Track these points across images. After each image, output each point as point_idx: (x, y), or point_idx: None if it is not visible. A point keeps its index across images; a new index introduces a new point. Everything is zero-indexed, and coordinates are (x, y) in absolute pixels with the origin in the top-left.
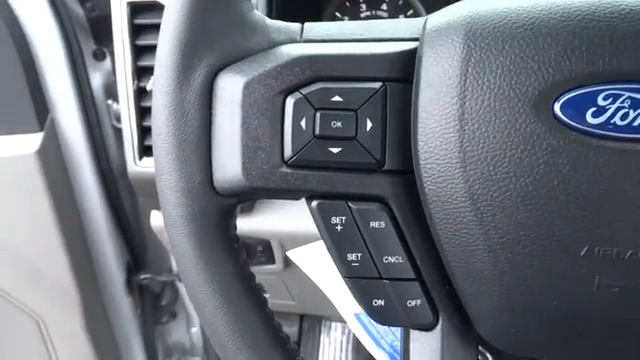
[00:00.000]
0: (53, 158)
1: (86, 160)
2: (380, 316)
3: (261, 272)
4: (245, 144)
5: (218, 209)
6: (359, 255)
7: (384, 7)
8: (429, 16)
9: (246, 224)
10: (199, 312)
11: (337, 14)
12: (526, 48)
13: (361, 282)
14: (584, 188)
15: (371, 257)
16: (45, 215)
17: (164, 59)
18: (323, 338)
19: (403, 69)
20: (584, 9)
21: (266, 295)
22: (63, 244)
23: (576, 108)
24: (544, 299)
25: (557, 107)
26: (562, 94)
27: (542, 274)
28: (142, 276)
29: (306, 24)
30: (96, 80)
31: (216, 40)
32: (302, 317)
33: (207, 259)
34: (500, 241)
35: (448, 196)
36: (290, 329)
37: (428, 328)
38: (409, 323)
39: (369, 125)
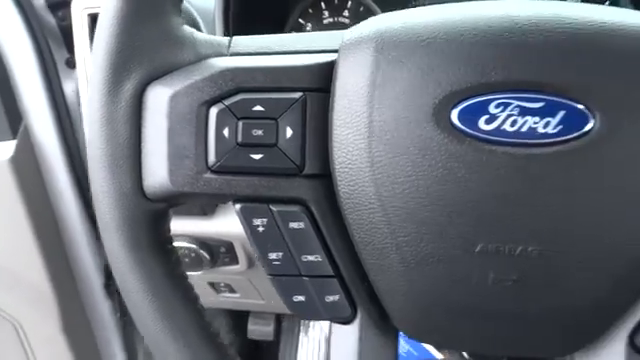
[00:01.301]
0: (27, 165)
1: (61, 166)
2: (301, 311)
3: (226, 273)
4: (171, 152)
5: (148, 213)
6: (280, 254)
7: (346, 14)
8: (348, 30)
9: (208, 227)
10: (131, 310)
11: (301, 21)
12: (427, 61)
13: (282, 279)
14: (478, 190)
15: (291, 256)
16: (21, 221)
17: (95, 72)
18: (302, 337)
19: (322, 80)
20: (478, 25)
21: (235, 295)
22: (40, 250)
23: (470, 116)
24: (446, 293)
25: (454, 115)
26: (458, 103)
27: (443, 269)
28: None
29: (234, 38)
30: (69, 87)
31: (145, 54)
32: (281, 317)
33: (137, 260)
34: (405, 239)
35: (359, 198)
36: (266, 328)
37: (347, 321)
38: (328, 317)
39: (289, 133)
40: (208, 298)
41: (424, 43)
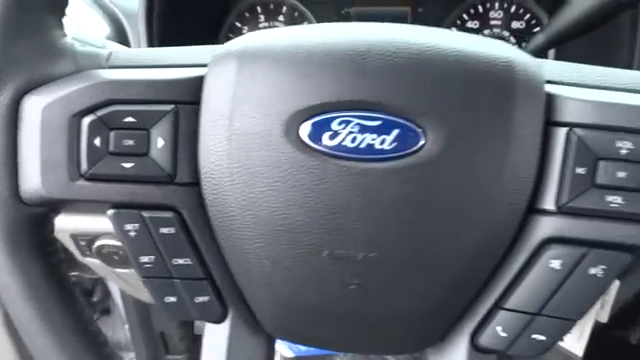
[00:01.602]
0: None
1: None
2: (172, 311)
3: None
4: (44, 160)
5: (27, 217)
6: (152, 257)
7: (281, 18)
8: (220, 45)
9: None
10: (10, 310)
11: (237, 24)
12: (279, 79)
13: (154, 281)
14: (323, 200)
15: (162, 259)
16: None
17: None
18: None
19: (192, 93)
20: (327, 48)
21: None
22: None
23: (316, 132)
24: (301, 295)
25: (302, 131)
26: (305, 120)
27: (297, 274)
28: (70, 273)
29: (115, 50)
30: None
31: (23, 66)
32: None
33: (16, 263)
34: (261, 245)
35: (222, 206)
36: None
37: (218, 321)
38: (198, 317)
39: (161, 143)
40: (146, 294)
41: (279, 62)
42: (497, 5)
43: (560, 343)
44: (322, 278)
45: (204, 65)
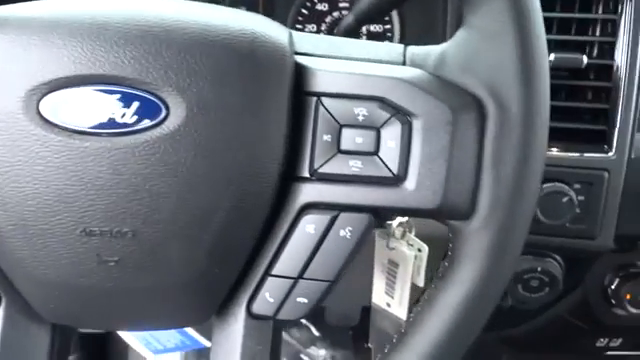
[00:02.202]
0: None
1: None
2: None
3: None
4: None
5: None
6: None
7: None
8: None
9: None
10: None
11: None
12: (15, 53)
13: None
14: (70, 177)
15: None
16: None
17: None
18: None
19: None
20: (67, 21)
21: None
22: None
23: (56, 107)
24: (63, 276)
25: (42, 106)
26: (44, 95)
27: (54, 254)
28: None
29: None
30: None
31: None
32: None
33: None
34: (15, 227)
35: None
36: None
37: None
38: None
39: None
40: None
41: (14, 35)
42: None
43: (387, 308)
44: (79, 256)
45: None
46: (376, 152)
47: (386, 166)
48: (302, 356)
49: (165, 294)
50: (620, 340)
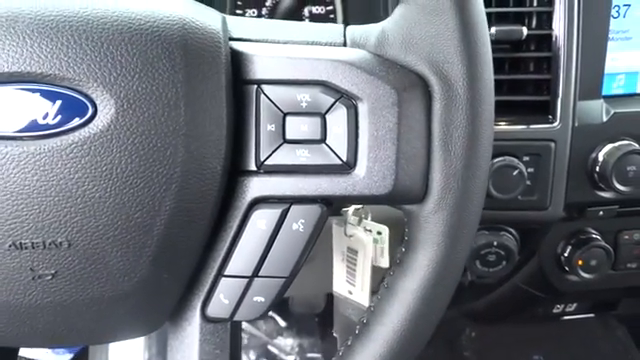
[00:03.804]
0: None
1: None
2: None
3: None
4: None
5: None
6: None
7: None
8: None
9: None
10: None
11: None
12: None
13: None
14: None
15: None
16: None
17: None
18: None
19: None
20: None
21: None
22: None
23: None
24: None
25: None
26: None
27: None
28: None
29: None
30: None
31: None
32: None
33: None
34: None
35: None
36: None
37: None
38: None
39: None
40: None
41: None
42: None
43: (349, 296)
44: (11, 272)
45: None
46: (323, 139)
47: (334, 153)
48: (269, 347)
49: (109, 305)
50: (575, 305)
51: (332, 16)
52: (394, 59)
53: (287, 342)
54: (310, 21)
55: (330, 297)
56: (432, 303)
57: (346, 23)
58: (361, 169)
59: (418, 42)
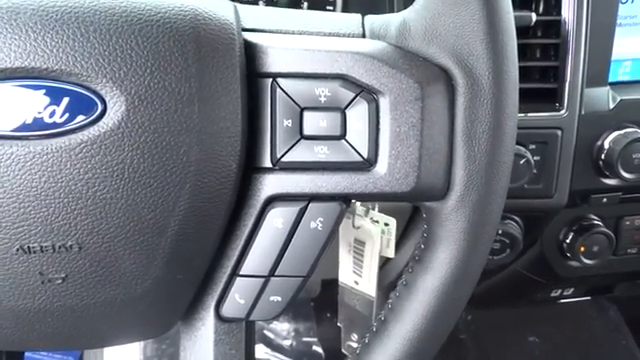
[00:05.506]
0: None
1: None
2: None
3: None
4: None
5: None
6: None
7: None
8: None
9: None
10: None
11: None
12: None
13: None
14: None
15: None
16: None
17: None
18: None
19: None
20: None
21: None
22: None
23: None
24: (3, 300)
25: None
26: None
27: None
28: None
29: None
30: None
31: None
32: None
33: None
34: None
35: None
36: None
37: None
38: None
39: None
40: None
41: None
42: None
43: (355, 286)
44: (20, 277)
45: None
46: (343, 135)
47: (355, 150)
48: (266, 332)
49: (121, 308)
50: (572, 289)
51: (331, 8)
52: (416, 51)
53: (283, 327)
54: (308, 8)
55: (325, 282)
56: (452, 301)
57: (346, 10)
58: (382, 166)
59: (442, 33)
